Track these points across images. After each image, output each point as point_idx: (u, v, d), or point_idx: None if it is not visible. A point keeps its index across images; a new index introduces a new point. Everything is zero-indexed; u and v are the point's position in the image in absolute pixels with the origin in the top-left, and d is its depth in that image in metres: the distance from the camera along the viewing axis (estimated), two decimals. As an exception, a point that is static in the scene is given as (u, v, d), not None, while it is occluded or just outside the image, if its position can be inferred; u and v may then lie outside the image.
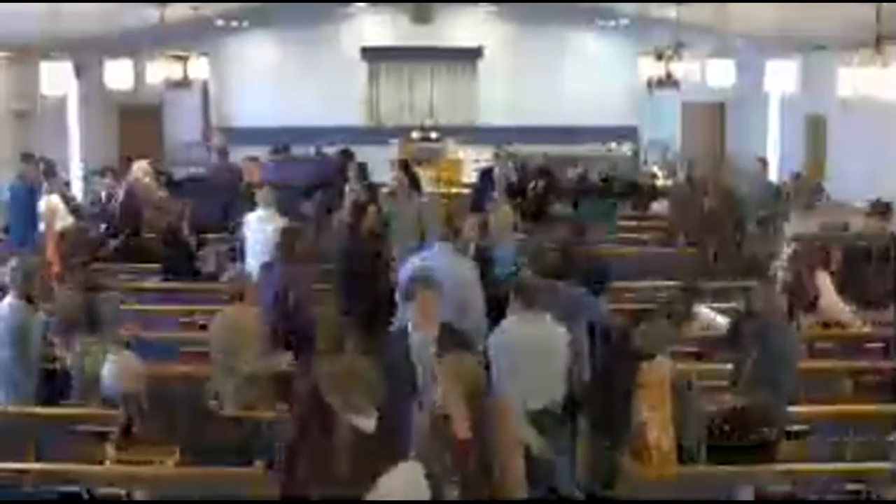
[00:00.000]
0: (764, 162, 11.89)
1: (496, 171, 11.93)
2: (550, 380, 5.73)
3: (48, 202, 9.92)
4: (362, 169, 11.81)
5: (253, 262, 8.67)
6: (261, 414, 6.10)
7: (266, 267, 7.75)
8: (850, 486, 5.33)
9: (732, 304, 7.49)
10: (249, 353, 6.29)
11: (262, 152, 13.97)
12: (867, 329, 7.68)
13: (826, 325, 7.66)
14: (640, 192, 13.40)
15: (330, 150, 14.21)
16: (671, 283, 8.48)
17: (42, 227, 9.74)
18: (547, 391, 5.69)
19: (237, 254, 9.37)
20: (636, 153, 17.85)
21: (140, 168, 11.66)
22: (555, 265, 7.08)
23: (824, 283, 7.65)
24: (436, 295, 5.47)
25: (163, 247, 9.59)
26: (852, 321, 7.67)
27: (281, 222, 9.04)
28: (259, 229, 9.00)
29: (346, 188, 10.97)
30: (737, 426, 5.71)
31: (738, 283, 7.87)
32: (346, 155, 13.08)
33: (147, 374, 5.80)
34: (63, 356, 6.35)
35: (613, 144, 17.76)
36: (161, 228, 9.95)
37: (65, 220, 9.93)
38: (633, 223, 12.35)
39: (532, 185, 11.71)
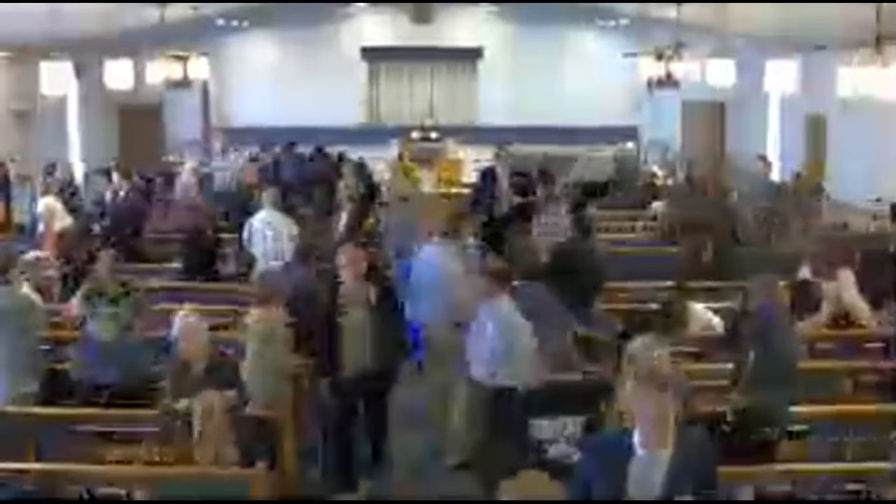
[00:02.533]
0: (765, 160, 11.88)
1: (498, 170, 11.98)
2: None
3: (46, 203, 9.92)
4: (362, 168, 11.82)
5: (262, 263, 8.85)
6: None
7: (286, 268, 7.87)
8: (850, 486, 5.32)
9: (728, 304, 7.49)
10: (279, 353, 6.37)
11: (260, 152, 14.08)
12: (883, 328, 7.66)
13: (835, 320, 7.62)
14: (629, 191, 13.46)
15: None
16: (669, 283, 8.47)
17: (41, 227, 9.74)
18: None
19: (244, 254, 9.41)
20: (637, 153, 17.85)
21: (191, 168, 11.87)
22: (537, 266, 7.16)
23: (847, 280, 7.64)
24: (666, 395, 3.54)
25: (185, 247, 9.63)
26: (870, 320, 7.65)
27: (285, 222, 9.10)
28: (263, 230, 9.09)
29: (341, 185, 10.98)
30: (737, 426, 5.70)
31: (736, 282, 7.86)
32: (322, 153, 13.23)
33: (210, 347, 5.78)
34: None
35: (630, 145, 17.75)
36: (187, 228, 10.00)
37: (63, 221, 9.92)
38: (634, 223, 12.34)
39: (535, 190, 11.79)
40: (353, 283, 6.37)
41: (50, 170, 11.25)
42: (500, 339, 6.06)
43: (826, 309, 7.61)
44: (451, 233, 7.75)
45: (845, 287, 7.60)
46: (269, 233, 9.14)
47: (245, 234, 9.35)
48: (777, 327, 5.98)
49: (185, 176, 11.84)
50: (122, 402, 6.28)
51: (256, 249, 9.14)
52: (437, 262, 7.44)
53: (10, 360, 6.37)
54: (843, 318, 7.62)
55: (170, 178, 12.63)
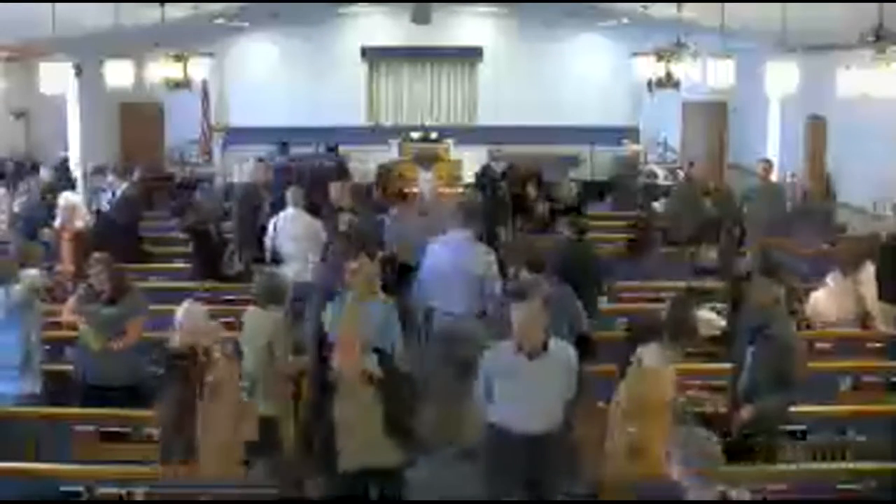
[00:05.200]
0: (767, 162, 11.89)
1: (494, 171, 12.08)
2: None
3: (67, 199, 9.87)
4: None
5: (286, 262, 8.84)
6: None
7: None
8: (850, 486, 5.33)
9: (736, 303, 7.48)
10: (279, 353, 6.27)
11: (258, 152, 14.10)
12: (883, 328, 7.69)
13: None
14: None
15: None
16: (671, 283, 8.48)
17: (57, 223, 9.68)
18: None
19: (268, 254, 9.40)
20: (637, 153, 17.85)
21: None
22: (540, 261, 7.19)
23: (868, 275, 7.67)
24: None
25: (192, 247, 9.66)
26: (880, 316, 7.69)
27: (309, 220, 9.10)
28: (289, 228, 9.11)
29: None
30: (745, 430, 5.70)
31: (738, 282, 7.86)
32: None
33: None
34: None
35: (630, 145, 17.79)
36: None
37: (83, 219, 9.92)
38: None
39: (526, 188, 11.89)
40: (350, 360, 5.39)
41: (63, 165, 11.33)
42: None
43: (853, 307, 7.64)
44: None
45: (867, 284, 7.64)
46: (295, 232, 9.13)
47: (270, 233, 9.34)
48: (778, 325, 5.94)
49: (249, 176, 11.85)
50: (122, 402, 6.30)
51: (283, 249, 9.13)
52: (458, 252, 7.43)
53: (26, 358, 6.41)
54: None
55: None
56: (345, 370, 5.33)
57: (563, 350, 5.42)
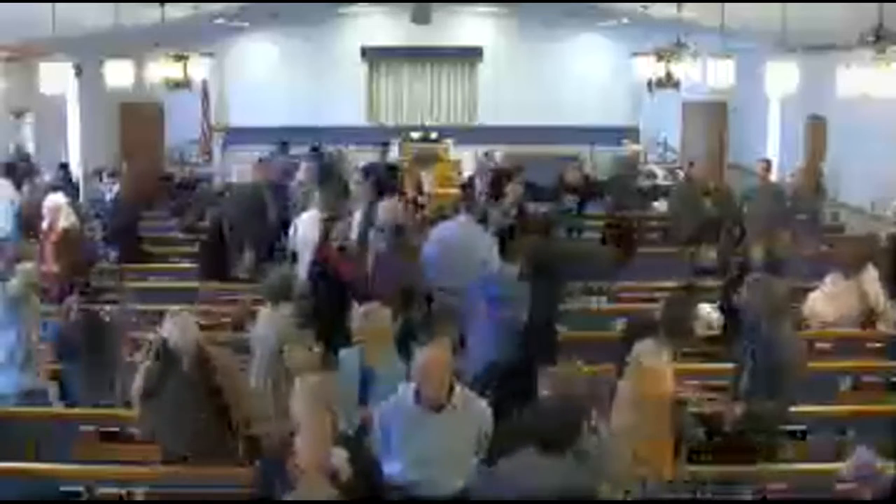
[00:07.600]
0: (766, 162, 11.89)
1: (476, 178, 12.15)
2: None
3: (52, 200, 9.88)
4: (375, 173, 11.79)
5: (300, 263, 8.84)
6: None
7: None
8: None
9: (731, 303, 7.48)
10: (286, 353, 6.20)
11: (258, 152, 14.07)
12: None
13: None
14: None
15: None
16: (671, 283, 8.47)
17: (44, 225, 9.69)
18: None
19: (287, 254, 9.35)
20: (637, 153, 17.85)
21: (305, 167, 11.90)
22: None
23: (870, 274, 7.68)
24: None
25: (202, 247, 9.64)
26: (889, 314, 7.70)
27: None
28: (310, 229, 9.06)
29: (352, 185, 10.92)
30: (737, 427, 5.69)
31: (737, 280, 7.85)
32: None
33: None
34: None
35: (630, 145, 17.80)
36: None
37: (68, 220, 9.91)
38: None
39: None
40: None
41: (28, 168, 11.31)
42: None
43: (856, 305, 7.64)
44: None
45: (870, 283, 7.64)
46: (313, 234, 9.05)
47: (290, 233, 9.30)
48: (778, 325, 5.92)
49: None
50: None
51: (301, 250, 9.07)
52: (462, 232, 7.91)
53: (28, 351, 6.42)
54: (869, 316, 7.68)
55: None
56: (305, 464, 4.11)
57: (473, 402, 4.66)
